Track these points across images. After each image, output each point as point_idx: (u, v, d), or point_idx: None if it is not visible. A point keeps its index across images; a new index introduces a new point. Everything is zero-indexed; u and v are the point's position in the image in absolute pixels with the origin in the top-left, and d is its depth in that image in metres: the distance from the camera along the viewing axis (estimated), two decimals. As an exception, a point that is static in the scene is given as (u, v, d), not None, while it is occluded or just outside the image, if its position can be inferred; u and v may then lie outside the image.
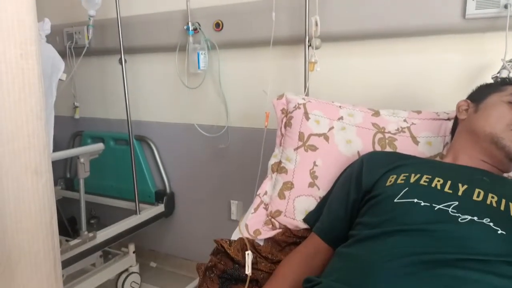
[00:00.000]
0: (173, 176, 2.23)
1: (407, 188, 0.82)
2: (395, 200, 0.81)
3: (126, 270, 2.08)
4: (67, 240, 1.66)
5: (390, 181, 0.87)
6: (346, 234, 0.94)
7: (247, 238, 1.04)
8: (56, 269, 1.33)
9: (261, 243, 1.08)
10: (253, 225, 1.12)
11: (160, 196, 2.22)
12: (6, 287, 1.17)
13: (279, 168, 1.17)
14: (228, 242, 1.00)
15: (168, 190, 2.23)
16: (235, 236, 1.11)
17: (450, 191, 0.79)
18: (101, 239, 1.80)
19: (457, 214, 0.74)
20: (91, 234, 1.73)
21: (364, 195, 0.92)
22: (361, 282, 0.70)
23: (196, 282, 1.08)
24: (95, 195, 2.30)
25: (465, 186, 0.79)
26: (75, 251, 1.65)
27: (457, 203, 0.76)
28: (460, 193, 0.78)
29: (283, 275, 0.90)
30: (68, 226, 2.31)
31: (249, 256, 0.97)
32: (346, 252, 0.79)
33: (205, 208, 2.17)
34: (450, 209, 0.76)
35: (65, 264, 1.63)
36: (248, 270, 0.94)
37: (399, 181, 0.85)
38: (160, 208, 2.18)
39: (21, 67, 1.18)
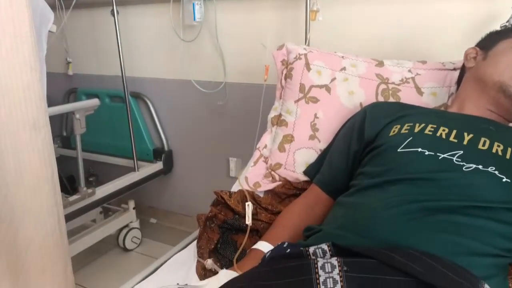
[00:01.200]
0: (170, 133, 2.21)
1: (411, 138, 0.80)
2: (398, 150, 0.80)
3: (127, 225, 2.11)
4: (66, 197, 1.66)
5: (394, 131, 0.85)
6: (346, 185, 0.93)
7: (247, 190, 1.03)
8: (60, 224, 1.33)
9: (261, 195, 1.08)
10: (252, 178, 1.11)
11: (158, 154, 2.20)
12: (11, 243, 1.17)
13: (279, 121, 1.15)
14: (228, 194, 0.99)
15: (166, 148, 2.21)
16: (235, 189, 1.10)
17: (455, 140, 0.77)
18: (100, 195, 1.80)
19: (461, 163, 0.73)
20: (90, 190, 1.73)
21: (366, 146, 0.90)
22: (363, 229, 0.69)
23: (196, 232, 1.08)
24: (92, 153, 2.28)
25: (471, 135, 0.78)
26: (75, 207, 1.66)
27: (462, 152, 0.75)
28: (465, 142, 0.77)
29: (283, 224, 0.90)
30: (67, 185, 2.32)
31: (249, 207, 0.96)
32: (347, 201, 0.79)
33: (203, 165, 2.17)
34: (454, 158, 0.74)
35: (65, 219, 1.64)
36: (249, 220, 0.94)
37: (403, 131, 0.83)
38: (158, 165, 2.18)
39: (11, 16, 1.12)
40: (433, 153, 0.76)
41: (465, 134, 0.78)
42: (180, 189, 2.30)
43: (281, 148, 1.12)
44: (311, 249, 0.66)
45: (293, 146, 1.10)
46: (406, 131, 0.83)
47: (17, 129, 1.11)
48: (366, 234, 0.68)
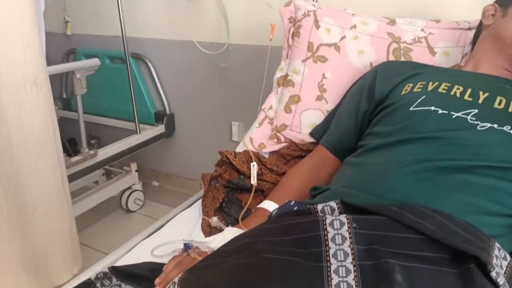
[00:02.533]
0: (172, 96, 2.18)
1: (424, 96, 0.78)
2: (410, 109, 0.77)
3: (129, 188, 2.11)
4: (68, 158, 1.65)
5: (406, 89, 0.82)
6: (354, 147, 0.91)
7: (251, 151, 1.02)
8: (64, 184, 1.34)
9: (266, 156, 1.06)
10: (257, 139, 1.09)
11: (159, 117, 2.18)
12: (19, 203, 1.18)
13: (286, 82, 1.12)
14: (233, 154, 0.98)
15: (167, 111, 2.18)
16: (239, 150, 1.08)
17: (470, 99, 0.75)
18: (103, 157, 1.79)
19: (476, 122, 0.71)
20: (92, 152, 1.72)
21: (376, 106, 0.88)
22: (372, 187, 0.68)
23: (200, 193, 1.08)
24: (93, 115, 2.26)
25: (486, 94, 0.75)
26: (77, 168, 1.65)
27: (476, 110, 0.73)
28: (480, 101, 0.74)
29: (289, 183, 0.89)
30: (68, 147, 2.31)
31: (254, 167, 0.95)
32: (356, 161, 0.77)
33: (205, 129, 2.15)
34: (469, 117, 0.72)
35: (68, 180, 1.65)
36: (254, 181, 0.93)
37: (415, 89, 0.81)
38: (160, 128, 2.16)
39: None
40: (446, 112, 0.74)
41: (481, 92, 0.76)
42: (182, 152, 2.29)
43: (287, 109, 1.09)
44: (319, 207, 0.65)
45: (299, 107, 1.08)
46: (419, 90, 0.80)
47: (18, 86, 1.09)
48: (376, 193, 0.67)
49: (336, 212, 0.64)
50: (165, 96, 2.17)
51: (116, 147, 1.88)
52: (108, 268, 0.73)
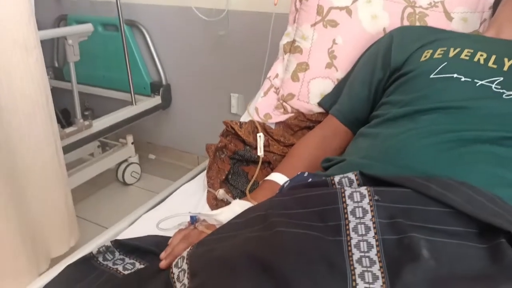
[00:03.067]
0: (168, 66, 2.10)
1: (445, 63, 0.73)
2: (431, 76, 0.73)
3: (126, 160, 2.07)
4: (62, 129, 1.59)
5: (425, 56, 0.77)
6: (366, 117, 0.87)
7: (257, 122, 0.97)
8: (58, 155, 1.28)
9: (272, 127, 1.02)
10: (263, 108, 1.04)
11: (156, 88, 2.11)
12: (12, 172, 1.13)
13: (293, 48, 1.06)
14: (238, 124, 0.93)
15: (164, 82, 2.12)
16: (244, 120, 1.04)
17: (495, 66, 0.70)
18: (98, 128, 1.74)
19: (501, 90, 0.67)
20: (86, 123, 1.66)
21: (392, 74, 0.83)
22: (393, 158, 0.64)
23: (204, 164, 1.04)
24: (86, 86, 2.18)
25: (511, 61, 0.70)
26: (72, 139, 1.60)
27: (502, 78, 0.68)
28: (505, 68, 0.70)
29: (299, 155, 0.85)
30: (61, 118, 2.24)
31: (261, 138, 0.91)
32: (373, 131, 0.73)
33: (203, 101, 2.09)
34: (493, 85, 0.68)
35: (63, 152, 1.59)
36: (261, 152, 0.89)
37: (436, 55, 0.76)
38: (156, 100, 2.09)
39: None
40: (470, 80, 0.69)
41: (506, 59, 0.71)
42: (179, 125, 2.23)
43: (295, 77, 1.04)
44: (336, 178, 0.62)
45: (307, 75, 1.02)
46: (440, 56, 0.75)
47: (8, 50, 1.02)
48: (397, 164, 0.63)
49: (355, 184, 0.61)
50: (161, 66, 2.10)
51: (111, 118, 1.82)
52: (111, 242, 0.70)
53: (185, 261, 0.59)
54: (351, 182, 0.61)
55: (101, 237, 0.79)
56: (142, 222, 0.82)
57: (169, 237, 0.72)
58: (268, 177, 0.81)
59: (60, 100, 2.21)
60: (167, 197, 0.91)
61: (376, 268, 0.50)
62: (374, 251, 0.52)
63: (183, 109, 2.18)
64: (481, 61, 0.72)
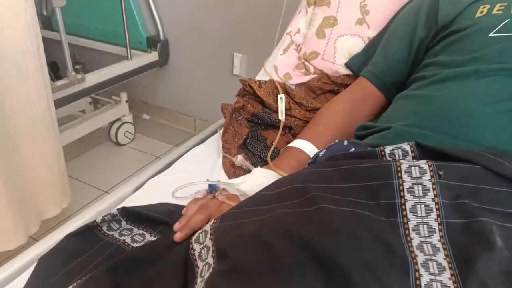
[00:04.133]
0: (167, 19, 1.95)
1: (507, 20, 0.63)
2: (490, 34, 0.63)
3: (119, 119, 1.96)
4: (53, 82, 1.46)
5: (482, 11, 0.67)
6: (404, 82, 0.78)
7: (277, 82, 0.87)
8: (50, 110, 1.17)
9: (293, 89, 0.92)
10: (282, 67, 0.93)
11: (152, 43, 1.97)
12: (2, 126, 1.01)
13: (319, 0, 0.94)
14: (257, 83, 0.82)
15: (161, 37, 1.97)
16: (260, 78, 0.93)
17: None
18: (91, 83, 1.61)
19: None
20: (79, 76, 1.52)
21: (438, 31, 0.73)
22: (451, 128, 0.55)
23: (211, 128, 0.94)
24: (77, 37, 2.02)
25: None
26: (63, 93, 1.47)
27: None
28: None
29: (326, 121, 0.76)
30: (50, 72, 2.08)
31: (282, 100, 0.81)
32: (420, 94, 0.64)
33: (204, 60, 1.96)
34: None
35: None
36: (282, 116, 0.80)
37: (494, 11, 0.66)
38: (153, 56, 1.96)
39: None
40: None
41: None
42: (177, 84, 2.11)
43: (320, 34, 0.93)
44: (388, 149, 0.53)
45: (335, 31, 0.91)
46: (500, 12, 0.65)
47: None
48: (457, 135, 0.54)
49: (409, 156, 0.52)
50: (159, 19, 1.94)
51: (105, 73, 1.69)
52: (117, 209, 0.61)
53: (208, 236, 0.50)
54: (405, 154, 0.52)
55: (103, 203, 0.70)
56: (149, 187, 0.73)
57: (183, 206, 0.63)
58: (291, 144, 0.72)
59: (48, 52, 2.04)
60: (174, 161, 0.82)
61: (441, 257, 0.42)
62: (436, 236, 0.44)
63: (181, 68, 2.05)
64: None
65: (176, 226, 0.59)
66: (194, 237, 0.52)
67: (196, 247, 0.51)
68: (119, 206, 0.66)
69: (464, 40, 0.66)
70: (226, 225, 0.51)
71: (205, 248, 0.50)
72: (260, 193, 0.56)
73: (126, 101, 1.96)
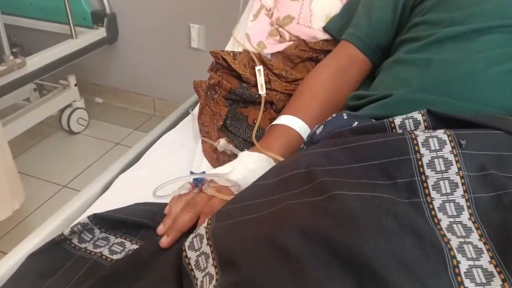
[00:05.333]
0: (112, -8, 1.77)
1: None
2: None
3: (70, 105, 1.79)
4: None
5: (473, -37, 0.62)
6: (389, 44, 0.72)
7: (252, 52, 0.78)
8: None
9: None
10: (255, 35, 0.84)
11: (98, 18, 1.79)
12: None
13: (289, -43, 0.84)
14: (231, 55, 0.73)
15: (108, 11, 1.79)
16: (230, 48, 0.84)
17: None
18: (33, 67, 1.43)
19: None
20: (18, 60, 1.34)
21: (425, -13, 0.67)
22: (461, 92, 0.51)
23: (182, 108, 0.85)
24: (10, 16, 1.78)
25: None
26: (2, 81, 1.30)
27: None
28: None
29: (312, 92, 0.69)
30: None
31: (261, 72, 0.73)
32: (419, 57, 0.58)
33: (157, 33, 1.81)
34: None
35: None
36: (263, 90, 0.72)
37: (487, -39, 0.60)
38: (101, 32, 1.78)
39: None
40: None
41: None
42: (130, 62, 1.95)
43: (293, -4, 0.84)
44: (397, 120, 0.47)
45: (309, -8, 0.83)
46: None
47: None
48: (467, 98, 0.50)
49: (422, 126, 0.47)
50: (103, -9, 1.75)
51: (48, 55, 1.51)
52: (88, 217, 0.51)
53: (205, 241, 0.43)
54: (416, 124, 0.47)
55: (67, 209, 0.60)
56: (120, 184, 0.63)
57: (165, 205, 0.55)
58: (277, 121, 0.65)
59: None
60: (144, 151, 0.73)
61: (475, 238, 0.38)
62: (465, 214, 0.40)
63: (133, 44, 1.89)
64: None
65: (160, 229, 0.51)
66: (187, 243, 0.45)
67: (191, 254, 0.43)
68: (88, 211, 0.57)
69: None
70: (224, 225, 0.43)
71: (202, 256, 0.42)
72: (256, 183, 0.48)
73: (76, 85, 1.78)
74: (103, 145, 1.82)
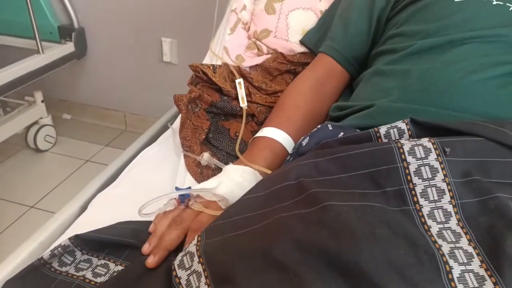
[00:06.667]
0: (80, 5, 1.73)
1: None
2: (456, 0, 0.61)
3: (36, 122, 1.72)
4: None
5: (443, -24, 0.65)
6: (366, 55, 0.74)
7: (232, 65, 0.78)
8: None
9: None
10: (233, 49, 0.84)
11: (66, 32, 1.74)
12: None
13: (263, -28, 0.86)
14: (211, 68, 0.73)
15: (76, 25, 1.75)
16: (207, 62, 0.83)
17: None
18: (-3, 83, 1.36)
19: None
20: (-19, 77, 1.28)
21: (398, 0, 0.69)
22: (440, 100, 0.52)
23: (160, 122, 0.83)
24: (-30, 30, 1.71)
25: None
26: (-38, 99, 1.23)
27: None
28: None
29: (293, 104, 0.69)
30: None
31: (241, 85, 0.73)
32: (398, 68, 0.60)
33: (128, 47, 1.78)
34: None
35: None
36: (244, 103, 0.72)
37: (456, -25, 0.63)
38: (68, 47, 1.73)
39: None
40: (502, 3, 0.60)
41: None
42: (99, 77, 1.90)
43: (269, 9, 0.85)
44: (383, 130, 0.48)
45: (285, 5, 0.84)
46: None
47: None
48: (447, 106, 0.51)
49: (406, 135, 0.48)
50: (70, 5, 1.71)
51: (13, 71, 1.45)
52: (69, 239, 0.49)
53: (196, 259, 0.42)
54: (401, 133, 0.48)
55: (43, 232, 0.57)
56: (100, 203, 0.61)
57: (150, 222, 0.53)
58: (260, 133, 0.65)
59: None
60: (123, 167, 0.70)
61: (464, 243, 0.39)
62: (454, 220, 0.41)
63: (102, 58, 1.84)
64: None
65: (145, 248, 0.49)
66: (176, 262, 0.43)
67: (182, 274, 0.42)
68: (67, 233, 0.55)
69: (429, 7, 0.64)
70: (216, 241, 0.42)
71: (194, 274, 0.41)
72: (246, 196, 0.48)
73: (42, 101, 1.72)
74: (73, 162, 1.75)
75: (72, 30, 1.73)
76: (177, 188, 0.53)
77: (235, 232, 0.42)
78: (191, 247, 0.43)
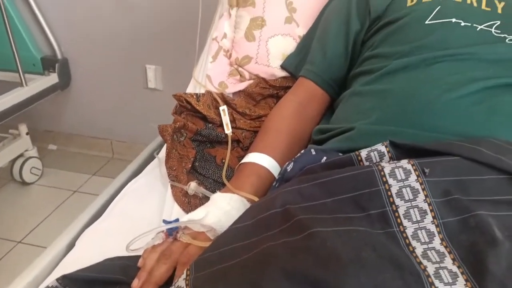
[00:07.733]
0: (62, 36, 1.74)
1: (439, 7, 0.65)
2: (426, 22, 0.64)
3: (22, 155, 1.70)
4: None
5: (412, 0, 0.68)
6: (344, 77, 0.76)
7: (215, 92, 0.79)
8: None
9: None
10: (216, 76, 0.86)
11: (49, 63, 1.75)
12: None
13: (242, 1, 0.88)
14: (195, 97, 0.74)
15: (59, 56, 1.76)
16: (191, 90, 0.85)
17: (488, 9, 0.65)
18: (-20, 119, 1.35)
19: (502, 35, 0.61)
20: (-37, 113, 1.27)
21: (373, 23, 0.72)
22: (418, 120, 0.54)
23: (147, 149, 0.83)
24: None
25: (502, 3, 0.65)
26: None
27: (499, 22, 0.63)
28: (499, 11, 0.64)
29: (277, 128, 0.70)
30: None
31: (225, 112, 0.74)
32: (375, 89, 0.61)
33: (112, 75, 1.79)
34: (493, 30, 0.62)
35: None
36: (229, 129, 0.73)
37: (424, -1, 0.66)
38: (52, 78, 1.73)
39: None
40: (469, 24, 0.62)
41: (496, 1, 0.65)
42: (84, 107, 1.90)
43: (249, 36, 0.87)
44: (364, 153, 0.49)
45: (264, 32, 0.86)
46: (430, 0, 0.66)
47: None
48: (424, 127, 0.53)
49: (387, 157, 0.49)
50: (53, 36, 1.72)
51: (-3, 105, 1.44)
52: (57, 280, 0.48)
53: (186, 294, 0.42)
54: (381, 155, 0.49)
55: (31, 271, 0.56)
56: (87, 239, 0.60)
57: (137, 257, 0.53)
58: (245, 159, 0.66)
59: None
60: (110, 200, 0.70)
61: (449, 262, 0.39)
62: (437, 239, 0.42)
63: (87, 87, 1.85)
64: (474, 4, 0.65)
65: (135, 284, 0.49)
66: (166, 297, 0.43)
67: (173, 309, 0.42)
68: (56, 271, 0.54)
69: (402, 29, 0.66)
70: (205, 275, 0.42)
71: (185, 309, 0.41)
72: (233, 226, 0.48)
73: (27, 133, 1.70)
74: (60, 194, 1.73)
75: (55, 61, 1.74)
76: (164, 221, 0.53)
77: (223, 264, 0.42)
78: (181, 281, 0.43)
